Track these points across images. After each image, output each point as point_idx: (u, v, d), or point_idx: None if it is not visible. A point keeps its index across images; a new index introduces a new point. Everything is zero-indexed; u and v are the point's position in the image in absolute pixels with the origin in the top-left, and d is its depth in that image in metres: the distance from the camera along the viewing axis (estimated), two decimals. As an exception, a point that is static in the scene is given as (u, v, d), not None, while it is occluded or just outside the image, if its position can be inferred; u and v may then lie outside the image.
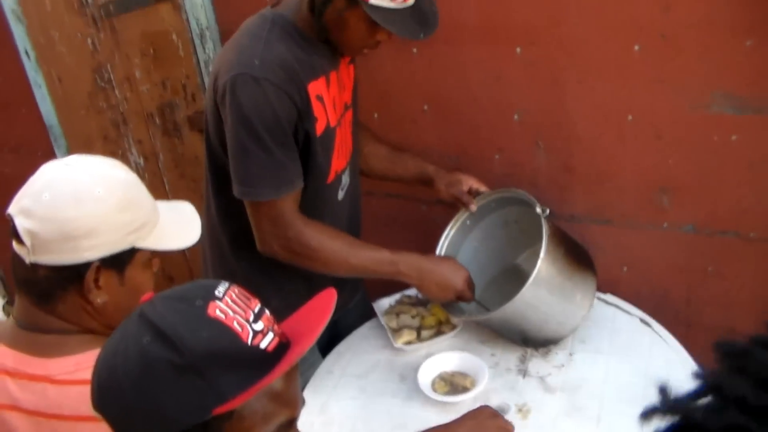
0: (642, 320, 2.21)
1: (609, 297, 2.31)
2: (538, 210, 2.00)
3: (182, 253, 3.48)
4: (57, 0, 3.14)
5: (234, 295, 1.06)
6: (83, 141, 3.52)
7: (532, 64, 2.22)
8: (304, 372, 2.14)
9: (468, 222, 2.26)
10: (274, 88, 1.79)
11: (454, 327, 2.23)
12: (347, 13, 1.80)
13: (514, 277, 2.22)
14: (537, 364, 2.11)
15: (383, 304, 2.37)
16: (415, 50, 2.36)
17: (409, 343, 2.19)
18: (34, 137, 3.61)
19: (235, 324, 1.02)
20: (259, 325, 1.04)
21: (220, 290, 1.05)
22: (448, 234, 2.25)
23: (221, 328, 1.01)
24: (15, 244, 1.35)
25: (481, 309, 2.17)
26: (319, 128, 1.93)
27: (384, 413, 2.02)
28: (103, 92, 3.29)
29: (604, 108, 2.18)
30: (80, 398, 1.28)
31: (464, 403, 1.97)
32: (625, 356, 2.09)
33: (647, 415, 0.68)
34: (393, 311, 2.32)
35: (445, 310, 2.19)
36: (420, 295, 2.36)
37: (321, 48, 1.92)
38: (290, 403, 1.08)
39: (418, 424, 1.93)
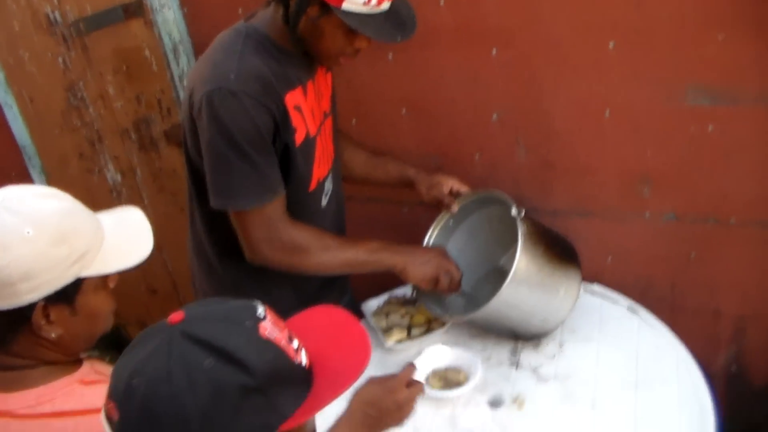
0: (629, 308, 2.25)
1: (595, 287, 2.35)
2: (513, 212, 2.02)
3: (165, 267, 3.48)
4: (25, 20, 3.12)
5: (271, 316, 1.07)
6: (58, 159, 3.51)
7: (509, 64, 2.25)
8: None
9: (451, 223, 2.28)
10: (251, 100, 1.79)
11: (443, 324, 2.25)
12: (321, 21, 1.80)
13: (500, 278, 2.25)
14: (528, 355, 2.14)
15: (371, 305, 2.38)
16: (390, 55, 2.39)
17: (399, 341, 2.21)
18: (7, 158, 3.58)
19: (283, 343, 1.03)
20: (295, 343, 1.06)
21: (260, 311, 1.05)
22: (431, 235, 2.27)
23: (275, 348, 1.02)
24: None
25: (469, 300, 2.20)
26: (299, 138, 1.93)
27: (381, 412, 2.03)
28: (77, 110, 3.28)
29: (582, 104, 2.22)
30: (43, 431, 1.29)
31: (460, 397, 1.99)
32: (615, 343, 2.13)
33: None
34: (382, 312, 2.34)
35: (429, 309, 2.20)
36: (408, 295, 2.39)
37: (296, 59, 1.93)
38: (312, 425, 1.12)
39: (414, 420, 1.95)
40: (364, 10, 1.76)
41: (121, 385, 0.97)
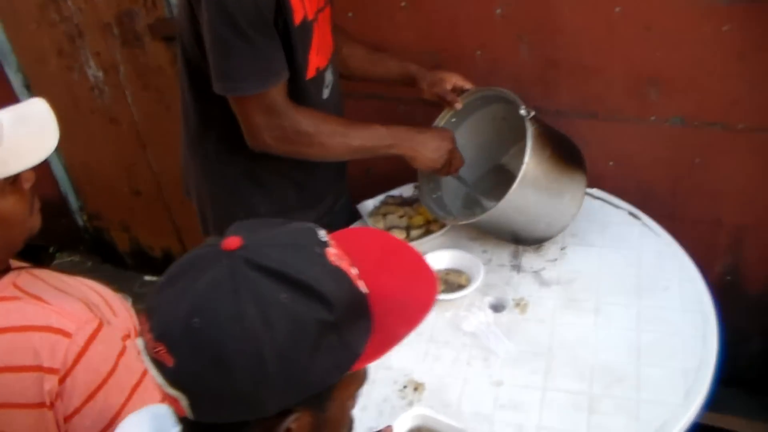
0: (630, 213, 2.21)
1: (596, 191, 2.29)
2: (522, 112, 1.95)
3: (149, 167, 3.40)
4: None
5: (331, 239, 0.95)
6: (36, 57, 3.38)
7: (514, -45, 2.16)
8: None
9: (453, 120, 2.21)
10: None
11: (442, 225, 2.20)
12: None
13: (502, 176, 2.20)
14: (530, 259, 2.10)
15: (368, 205, 2.33)
16: (391, -56, 2.29)
17: (399, 244, 2.16)
18: (-19, 56, 3.46)
19: (349, 271, 0.92)
20: (354, 270, 0.94)
21: (322, 235, 0.94)
22: None
23: (346, 277, 0.91)
24: None
25: (466, 188, 2.20)
26: (297, 18, 1.84)
27: (379, 315, 2.00)
28: (54, 3, 3.14)
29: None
30: None
31: (462, 299, 1.96)
32: (617, 248, 2.09)
33: None
34: (379, 212, 2.28)
35: (432, 212, 2.16)
36: (404, 195, 2.35)
37: None
38: (367, 369, 0.98)
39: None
40: None
41: (176, 326, 0.84)
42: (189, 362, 0.84)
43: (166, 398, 0.88)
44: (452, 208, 2.22)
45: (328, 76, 2.04)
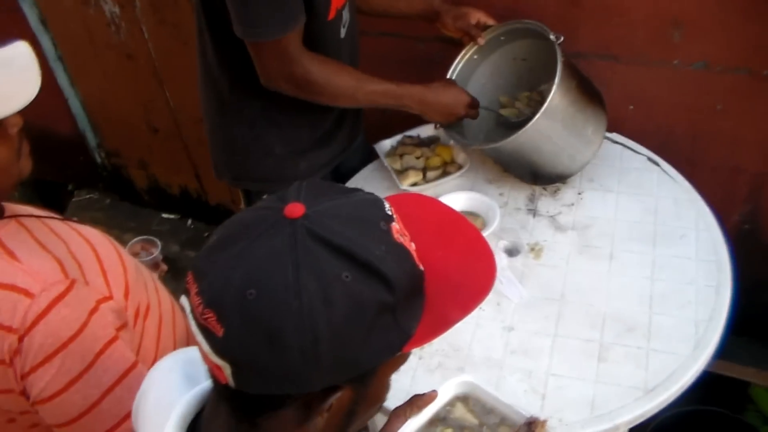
0: (650, 159, 2.18)
1: (615, 136, 2.26)
2: (552, 37, 1.94)
3: (167, 104, 3.38)
4: None
5: (394, 212, 0.90)
6: (51, -11, 3.35)
7: None
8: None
9: (475, 56, 2.18)
10: None
11: (459, 167, 2.19)
12: None
13: (512, 122, 2.19)
14: (546, 203, 2.08)
15: (385, 145, 2.31)
16: None
17: (415, 184, 2.15)
18: (-5, -8, 3.42)
19: (410, 247, 0.88)
20: (412, 245, 0.89)
21: (387, 207, 0.88)
22: (455, 69, 2.18)
23: (409, 255, 0.86)
24: None
25: (489, 120, 2.19)
26: None
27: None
28: (71, -65, 3.10)
29: (616, -63, 2.08)
30: None
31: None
32: (634, 194, 2.07)
33: None
34: (396, 153, 2.27)
35: (457, 141, 2.15)
36: (421, 135, 2.33)
37: None
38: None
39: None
40: None
41: (228, 294, 0.80)
42: (240, 334, 0.80)
43: (208, 363, 0.85)
44: (474, 142, 2.19)
45: (345, 15, 2.01)
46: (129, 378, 1.31)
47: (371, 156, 2.33)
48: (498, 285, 1.85)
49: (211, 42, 1.99)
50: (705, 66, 2.17)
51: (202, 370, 0.92)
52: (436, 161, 2.21)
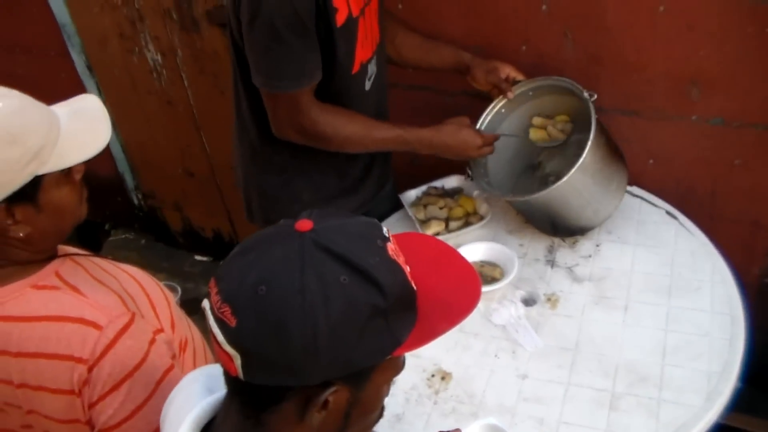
0: (668, 212, 2.22)
1: (635, 189, 2.31)
2: (586, 95, 2.02)
3: (203, 149, 3.48)
4: None
5: (391, 236, 1.03)
6: (98, 39, 3.48)
7: (562, -48, 2.17)
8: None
9: (503, 110, 2.25)
10: None
11: (481, 218, 2.25)
12: None
13: (535, 175, 2.28)
14: (565, 254, 2.13)
15: (410, 195, 2.38)
16: (440, -61, 2.32)
17: (437, 234, 2.21)
18: (47, 37, 3.57)
19: (405, 266, 1.01)
20: (408, 267, 1.02)
21: (385, 231, 1.02)
22: (483, 121, 2.24)
23: (402, 271, 0.99)
24: None
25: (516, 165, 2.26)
26: (340, 19, 1.89)
27: (414, 303, 2.05)
28: (117, -13, 3.24)
29: (635, -2, 2.14)
30: None
31: (495, 292, 2.00)
32: (652, 247, 2.11)
33: None
34: (420, 203, 2.33)
35: (485, 191, 2.21)
36: (446, 186, 2.40)
37: None
38: (404, 356, 1.06)
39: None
40: None
41: (243, 291, 0.93)
42: (250, 325, 0.92)
43: (222, 356, 0.96)
44: (504, 193, 2.25)
45: (371, 68, 2.09)
46: None
47: (399, 204, 2.40)
48: (513, 333, 1.90)
49: (245, 93, 2.08)
50: (722, 122, 2.22)
51: (221, 383, 1.04)
52: (458, 212, 2.28)
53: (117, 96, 3.65)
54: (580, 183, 2.00)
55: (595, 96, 2.01)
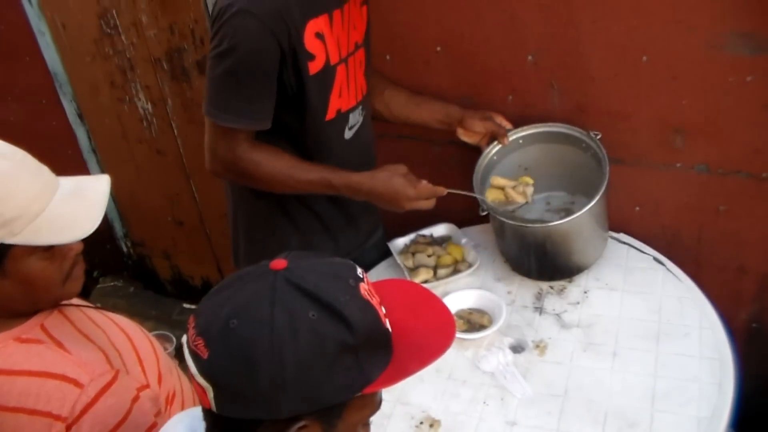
0: (655, 259, 2.24)
1: (622, 236, 2.33)
2: (592, 134, 2.14)
3: (193, 198, 3.50)
4: (60, -55, 3.12)
5: (365, 277, 1.06)
6: (89, 87, 3.52)
7: (546, 4, 2.20)
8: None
9: (495, 157, 2.29)
10: (260, 24, 1.80)
11: (470, 265, 2.26)
12: None
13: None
14: (553, 301, 2.14)
15: (399, 243, 2.39)
16: (428, -9, 2.36)
17: (425, 281, 2.22)
18: (39, 85, 3.61)
19: (378, 307, 1.03)
20: (383, 309, 1.05)
21: (359, 272, 1.05)
22: (479, 167, 2.25)
23: (374, 310, 1.01)
24: None
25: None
26: (315, 66, 1.93)
27: (402, 350, 2.05)
28: (109, 38, 3.28)
29: (619, 49, 2.18)
30: None
31: (483, 339, 2.01)
32: (639, 293, 2.13)
33: None
34: (409, 250, 2.34)
35: (500, 216, 2.15)
36: (434, 234, 2.41)
37: None
38: (380, 396, 1.09)
39: (436, 362, 1.97)
40: None
41: (215, 324, 0.96)
42: (221, 356, 0.95)
43: (197, 389, 0.99)
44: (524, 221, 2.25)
45: (354, 118, 2.11)
46: None
47: (388, 252, 2.41)
48: (502, 380, 1.90)
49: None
50: (707, 169, 2.25)
51: (203, 425, 1.06)
52: (447, 259, 2.29)
53: (107, 144, 3.68)
54: (588, 220, 2.07)
55: (600, 135, 2.09)
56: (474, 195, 2.15)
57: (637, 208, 2.41)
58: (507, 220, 2.13)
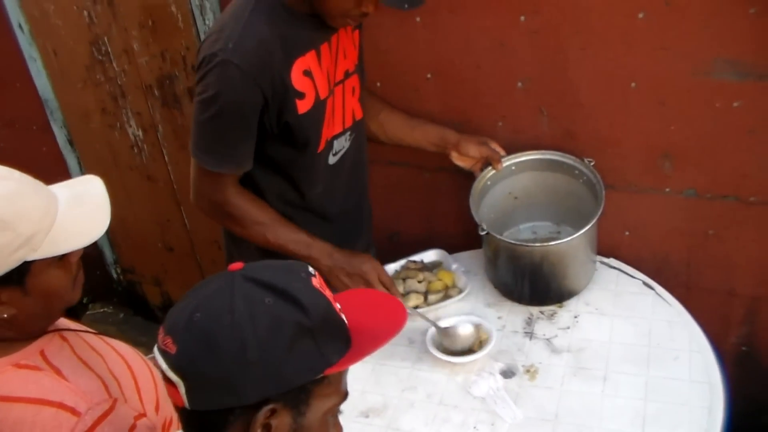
0: (645, 283, 2.25)
1: (612, 261, 2.35)
2: (586, 161, 2.18)
3: (183, 225, 3.50)
4: (51, -28, 3.13)
5: (317, 274, 1.13)
6: (80, 114, 3.53)
7: (536, 32, 2.23)
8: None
9: (489, 183, 2.31)
10: (241, 74, 1.82)
11: (460, 291, 2.26)
12: None
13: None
14: (543, 326, 2.15)
15: (389, 269, 2.39)
16: (418, 19, 2.37)
17: (416, 307, 2.22)
18: (30, 111, 3.61)
19: (331, 298, 1.11)
20: (337, 305, 1.12)
21: (311, 269, 1.12)
22: (474, 191, 2.27)
23: (326, 299, 1.09)
24: None
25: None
26: (305, 105, 1.94)
27: (393, 376, 2.06)
28: (101, 65, 3.29)
29: (608, 75, 2.20)
30: None
31: (473, 364, 2.01)
32: (629, 318, 2.13)
33: None
34: (399, 276, 2.34)
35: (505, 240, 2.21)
36: (425, 260, 2.40)
37: (309, 21, 1.92)
38: (345, 388, 1.14)
39: (427, 386, 1.98)
40: None
41: (181, 321, 1.03)
42: (188, 349, 1.01)
43: (170, 390, 1.04)
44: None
45: (339, 143, 2.12)
46: None
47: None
48: (493, 405, 1.90)
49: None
50: (695, 194, 2.27)
51: None
52: (437, 285, 2.29)
53: (98, 170, 3.60)
54: (582, 243, 2.12)
55: (593, 161, 2.14)
56: (431, 321, 2.13)
57: (627, 233, 2.43)
58: (505, 240, 2.18)
